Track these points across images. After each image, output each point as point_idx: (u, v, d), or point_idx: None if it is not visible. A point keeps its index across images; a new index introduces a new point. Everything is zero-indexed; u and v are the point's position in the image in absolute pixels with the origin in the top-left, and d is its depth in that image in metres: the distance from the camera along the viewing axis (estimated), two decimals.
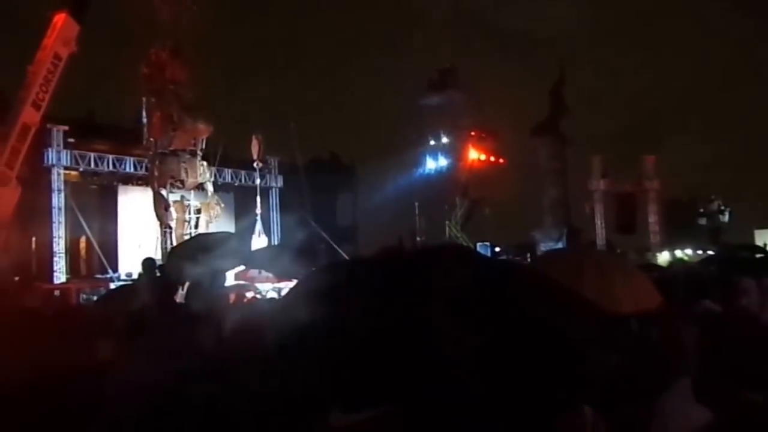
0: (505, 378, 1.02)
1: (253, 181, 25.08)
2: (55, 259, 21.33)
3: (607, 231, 29.59)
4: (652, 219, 30.43)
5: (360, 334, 1.05)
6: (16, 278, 14.81)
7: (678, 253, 27.24)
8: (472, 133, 31.49)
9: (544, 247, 27.09)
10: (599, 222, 29.75)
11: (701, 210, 33.43)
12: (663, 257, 26.58)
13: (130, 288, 6.24)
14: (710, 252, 18.86)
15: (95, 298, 13.69)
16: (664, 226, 30.56)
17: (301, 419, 1.03)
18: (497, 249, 31.15)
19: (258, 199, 24.35)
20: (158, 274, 6.34)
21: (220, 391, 1.35)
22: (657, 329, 2.22)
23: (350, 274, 1.29)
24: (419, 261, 1.26)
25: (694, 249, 26.82)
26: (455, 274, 1.15)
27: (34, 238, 22.37)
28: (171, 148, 21.69)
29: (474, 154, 31.50)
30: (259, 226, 23.62)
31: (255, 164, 24.33)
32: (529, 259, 17.27)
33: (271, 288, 12.53)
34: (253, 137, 23.62)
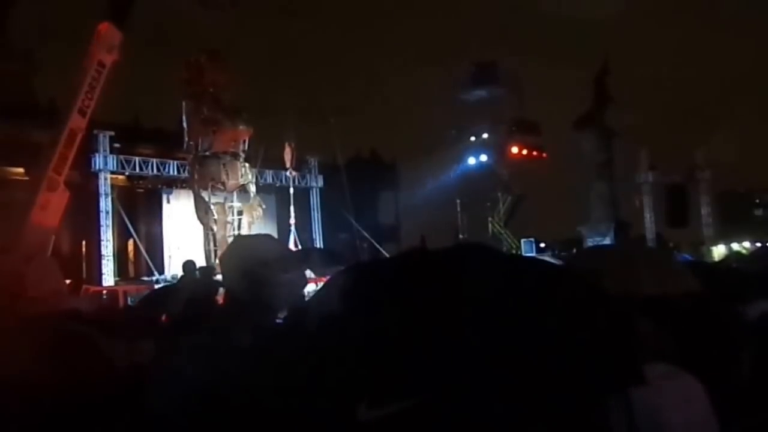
0: (535, 369, 1.01)
1: (295, 183, 25.12)
2: (104, 261, 21.87)
3: (658, 224, 28.48)
4: (705, 211, 29.17)
5: (387, 328, 1.04)
6: (68, 281, 15.21)
7: (734, 246, 26.01)
8: (514, 128, 30.82)
9: (591, 242, 26.28)
10: (648, 215, 28.68)
11: (757, 201, 31.92)
12: (719, 251, 25.40)
13: (171, 289, 6.19)
14: None
15: None
16: (718, 218, 29.21)
17: (328, 415, 1.01)
18: (542, 245, 30.43)
19: (292, 208, 24.31)
20: (198, 275, 6.28)
21: (256, 388, 1.32)
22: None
23: (377, 271, 1.30)
24: (443, 258, 1.27)
25: (752, 241, 25.57)
26: (478, 270, 1.16)
27: (84, 242, 23.06)
28: (212, 151, 21.96)
29: (515, 149, 30.82)
30: (294, 235, 23.58)
31: (288, 172, 24.32)
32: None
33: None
34: (286, 144, 23.51)
